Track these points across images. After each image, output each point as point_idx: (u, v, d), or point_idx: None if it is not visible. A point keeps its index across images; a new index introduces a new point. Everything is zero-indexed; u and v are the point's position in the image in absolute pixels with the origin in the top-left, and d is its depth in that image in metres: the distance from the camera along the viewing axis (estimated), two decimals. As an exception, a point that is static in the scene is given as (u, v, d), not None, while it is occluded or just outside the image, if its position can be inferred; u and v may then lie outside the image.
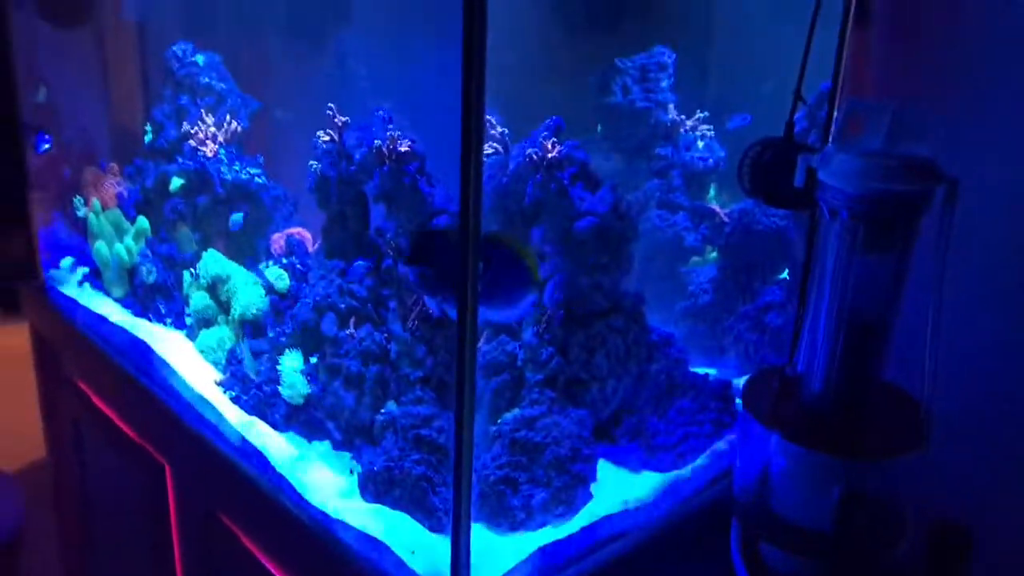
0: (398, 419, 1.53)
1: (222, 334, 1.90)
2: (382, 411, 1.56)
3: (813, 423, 1.27)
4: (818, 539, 1.25)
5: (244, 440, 1.72)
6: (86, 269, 2.45)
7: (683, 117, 2.07)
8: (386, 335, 1.60)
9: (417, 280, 1.43)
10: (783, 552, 1.32)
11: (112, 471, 2.42)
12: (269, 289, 1.81)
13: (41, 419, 2.74)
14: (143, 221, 2.16)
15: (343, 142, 1.67)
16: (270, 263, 1.88)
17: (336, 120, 1.68)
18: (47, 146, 2.46)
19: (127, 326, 2.16)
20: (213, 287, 1.90)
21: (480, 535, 1.45)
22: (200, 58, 2.22)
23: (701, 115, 2.08)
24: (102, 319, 2.24)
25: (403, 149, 1.59)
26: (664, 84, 2.03)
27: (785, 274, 1.99)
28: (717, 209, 2.01)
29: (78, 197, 2.41)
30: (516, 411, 1.56)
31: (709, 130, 2.09)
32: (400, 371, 1.58)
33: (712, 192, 2.15)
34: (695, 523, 1.61)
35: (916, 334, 1.29)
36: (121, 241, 2.22)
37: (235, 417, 1.78)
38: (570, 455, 1.52)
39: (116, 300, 2.30)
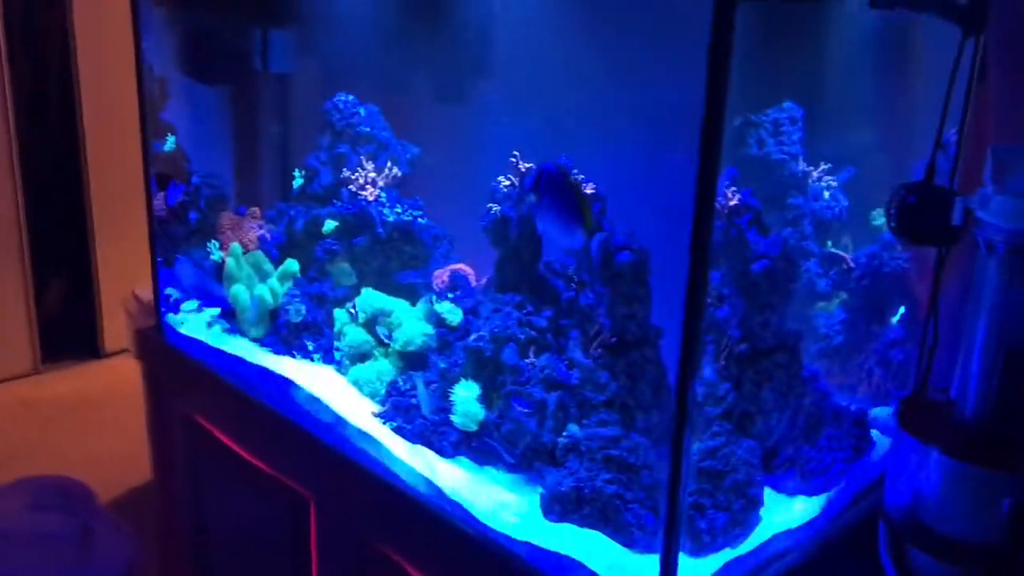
0: (581, 441, 1.62)
1: (381, 367, 1.98)
2: (565, 434, 1.65)
3: (974, 442, 1.35)
4: (983, 551, 1.33)
5: (411, 468, 1.79)
6: (216, 311, 2.48)
7: (811, 168, 2.19)
8: (567, 362, 1.70)
9: (533, 205, 1.73)
10: (941, 563, 1.39)
11: (235, 507, 2.46)
12: (439, 323, 1.90)
13: (151, 457, 2.80)
14: (293, 263, 2.25)
15: (524, 185, 1.79)
16: (433, 297, 1.97)
17: (520, 166, 1.81)
18: (181, 196, 2.56)
19: (268, 364, 2.22)
20: (372, 322, 1.99)
21: (674, 554, 1.52)
22: (362, 110, 2.36)
23: (825, 166, 2.20)
24: (236, 358, 2.30)
25: (587, 192, 1.71)
26: (795, 137, 2.16)
27: (902, 311, 2.09)
28: (844, 255, 2.12)
29: (213, 241, 2.51)
30: (696, 443, 1.65)
31: (833, 180, 2.20)
32: (582, 395, 1.66)
33: (829, 242, 2.26)
34: (847, 536, 1.70)
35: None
36: (263, 282, 2.32)
37: (398, 446, 1.84)
38: (746, 480, 1.61)
39: (253, 340, 2.33)
